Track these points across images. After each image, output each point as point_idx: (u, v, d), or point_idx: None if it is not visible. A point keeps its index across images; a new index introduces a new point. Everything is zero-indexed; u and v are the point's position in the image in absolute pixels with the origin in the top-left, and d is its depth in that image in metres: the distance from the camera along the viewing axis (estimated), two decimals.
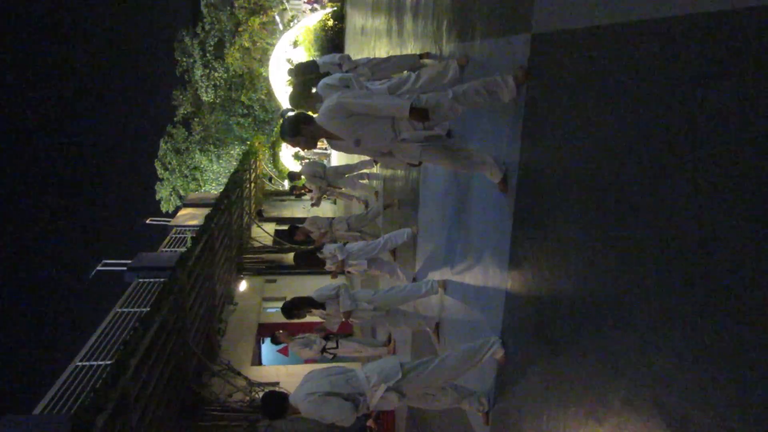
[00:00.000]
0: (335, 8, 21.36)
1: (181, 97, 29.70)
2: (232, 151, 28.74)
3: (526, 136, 2.69)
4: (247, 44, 26.22)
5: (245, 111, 28.71)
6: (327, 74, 4.24)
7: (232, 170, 14.56)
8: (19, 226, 44.37)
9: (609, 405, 1.87)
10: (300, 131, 2.88)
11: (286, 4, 26.20)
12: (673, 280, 1.55)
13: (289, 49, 22.40)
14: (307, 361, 8.61)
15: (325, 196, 8.60)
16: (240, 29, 26.44)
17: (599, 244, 1.95)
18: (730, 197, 1.34)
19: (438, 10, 4.45)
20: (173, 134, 29.56)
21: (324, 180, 7.77)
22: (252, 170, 14.06)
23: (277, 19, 26.51)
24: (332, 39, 20.53)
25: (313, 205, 8.12)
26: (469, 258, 3.69)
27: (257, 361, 10.03)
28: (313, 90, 4.11)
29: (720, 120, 1.38)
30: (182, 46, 28.91)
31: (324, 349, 6.24)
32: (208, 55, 28.16)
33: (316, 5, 24.29)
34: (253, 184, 14.10)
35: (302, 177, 8.18)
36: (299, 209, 15.66)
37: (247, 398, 7.57)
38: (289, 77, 5.88)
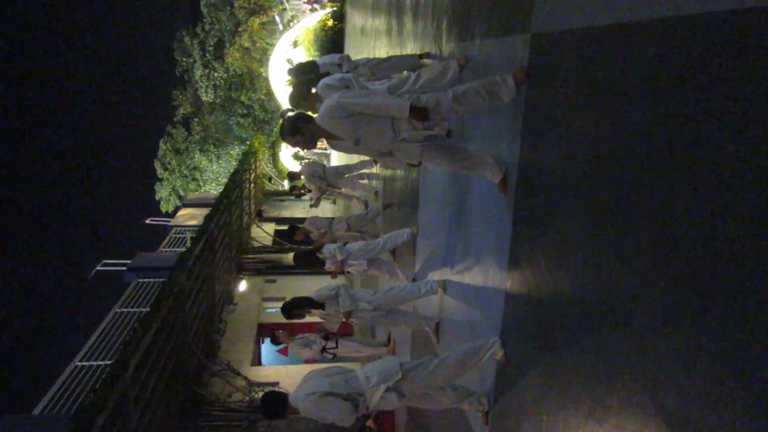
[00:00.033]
0: (335, 8, 21.33)
1: (180, 97, 29.65)
2: (231, 151, 28.73)
3: (525, 136, 2.69)
4: (246, 44, 26.19)
5: (245, 111, 28.69)
6: (327, 74, 4.23)
7: (231, 170, 14.55)
8: (19, 226, 44.42)
9: (609, 405, 1.87)
10: (300, 131, 2.88)
11: (286, 4, 26.19)
12: (672, 280, 1.55)
13: (289, 49, 22.35)
14: (306, 361, 8.61)
15: (324, 196, 8.58)
16: (240, 29, 26.41)
17: (599, 244, 1.95)
18: (731, 197, 1.34)
19: (438, 10, 4.45)
20: (173, 134, 29.52)
21: (324, 180, 7.75)
22: (252, 170, 14.05)
23: (277, 19, 26.49)
24: (332, 39, 20.51)
25: (312, 205, 8.10)
26: (469, 258, 3.68)
27: (257, 361, 10.03)
28: (313, 90, 4.11)
29: (720, 120, 1.38)
30: (182, 46, 28.89)
31: (324, 349, 6.25)
32: (208, 55, 28.14)
33: (316, 5, 24.27)
34: (252, 184, 14.09)
35: (302, 177, 8.16)
36: (299, 209, 15.65)
37: (247, 398, 7.57)
38: (289, 77, 5.87)
